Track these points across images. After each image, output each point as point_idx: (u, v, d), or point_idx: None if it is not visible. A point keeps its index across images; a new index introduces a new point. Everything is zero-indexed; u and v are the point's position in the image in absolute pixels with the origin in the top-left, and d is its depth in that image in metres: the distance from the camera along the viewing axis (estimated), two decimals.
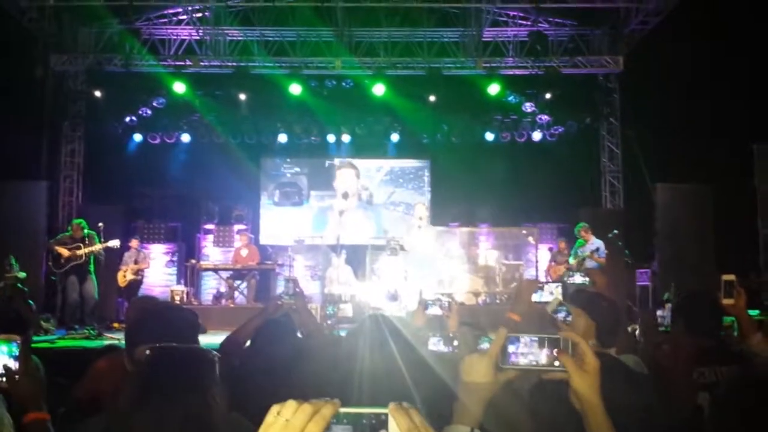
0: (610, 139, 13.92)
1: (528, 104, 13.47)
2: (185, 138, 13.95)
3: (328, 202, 14.21)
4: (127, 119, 13.44)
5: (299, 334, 3.76)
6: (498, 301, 11.49)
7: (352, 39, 12.77)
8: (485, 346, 2.94)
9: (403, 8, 12.13)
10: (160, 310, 2.98)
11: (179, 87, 12.60)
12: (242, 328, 3.72)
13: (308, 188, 14.44)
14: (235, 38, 12.92)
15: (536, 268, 13.05)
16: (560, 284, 3.40)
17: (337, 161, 14.43)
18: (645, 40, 12.23)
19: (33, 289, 10.29)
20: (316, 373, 2.04)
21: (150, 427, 1.56)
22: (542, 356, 1.50)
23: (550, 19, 12.76)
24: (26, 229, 11.62)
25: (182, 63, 12.75)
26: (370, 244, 11.87)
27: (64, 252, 9.95)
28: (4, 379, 2.18)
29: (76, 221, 10.47)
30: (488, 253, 12.55)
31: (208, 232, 13.85)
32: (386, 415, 1.07)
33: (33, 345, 4.61)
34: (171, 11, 12.73)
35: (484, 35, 12.73)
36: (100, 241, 10.16)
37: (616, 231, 11.35)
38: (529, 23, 12.70)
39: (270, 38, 12.92)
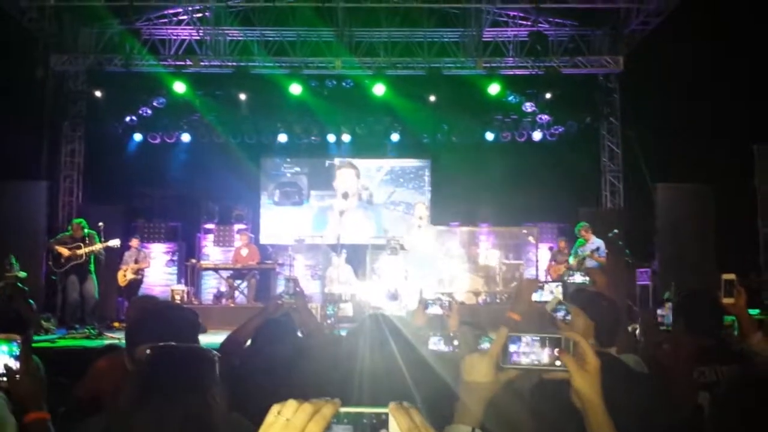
0: (611, 139, 13.91)
1: (528, 104, 13.47)
2: (185, 138, 13.96)
3: (328, 201, 14.21)
4: (128, 119, 13.45)
5: (299, 334, 3.75)
6: (498, 301, 11.49)
7: (352, 39, 12.77)
8: (486, 345, 2.94)
9: (403, 8, 12.13)
10: (160, 310, 2.98)
11: (179, 87, 12.61)
12: (242, 328, 3.72)
13: (308, 188, 14.44)
14: (235, 38, 12.92)
15: (536, 267, 13.05)
16: (560, 283, 3.39)
17: (337, 161, 14.44)
18: (645, 40, 12.23)
19: (33, 289, 10.29)
20: (317, 373, 2.04)
21: (150, 426, 1.56)
22: (544, 356, 1.49)
23: (551, 19, 12.75)
24: (26, 228, 11.63)
25: (182, 63, 12.75)
26: (371, 243, 11.87)
27: (65, 251, 9.96)
28: (5, 378, 2.18)
29: (76, 221, 10.48)
30: (488, 253, 12.55)
31: (209, 231, 13.85)
32: (387, 414, 1.07)
33: (33, 344, 4.61)
34: (171, 11, 12.73)
35: (484, 35, 12.73)
36: (100, 241, 10.16)
37: (616, 230, 11.35)
38: (529, 23, 12.69)
39: (270, 38, 12.92)
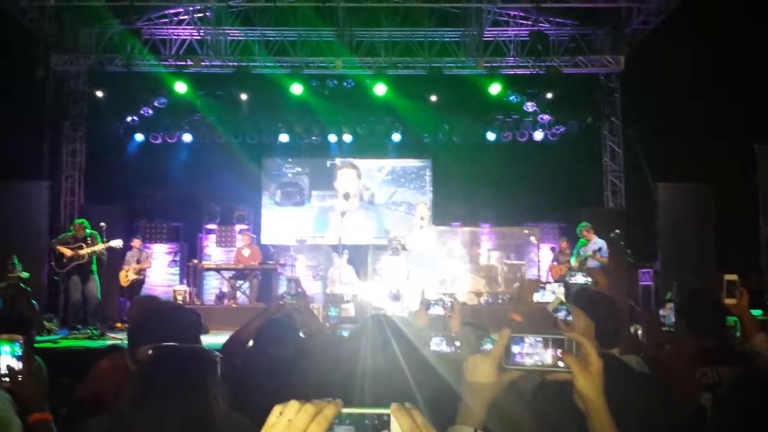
0: (612, 139, 13.90)
1: (529, 104, 13.46)
2: (187, 138, 13.96)
3: (329, 202, 14.21)
4: (129, 119, 13.45)
5: (301, 334, 3.75)
6: (500, 301, 11.50)
7: (353, 39, 12.77)
8: (488, 346, 2.94)
9: (404, 8, 12.13)
10: (162, 310, 2.98)
11: (180, 87, 12.61)
12: (244, 329, 3.73)
13: (310, 188, 14.44)
14: (236, 38, 12.92)
15: (538, 267, 13.05)
16: (562, 284, 3.39)
17: (338, 161, 14.43)
18: (646, 39, 12.22)
19: (36, 289, 10.28)
20: (319, 373, 2.03)
21: (151, 427, 1.56)
22: (547, 357, 1.49)
23: (551, 18, 12.74)
24: (28, 229, 11.63)
25: (183, 63, 12.77)
26: (372, 244, 11.86)
27: (67, 252, 9.97)
28: (8, 379, 2.19)
29: (78, 221, 10.49)
30: (490, 253, 12.56)
31: (210, 231, 13.85)
32: (388, 415, 1.07)
33: (36, 345, 4.61)
34: (172, 11, 12.74)
35: (485, 35, 12.72)
36: (102, 241, 10.17)
37: (617, 231, 11.34)
38: (530, 23, 12.69)
39: (271, 38, 12.92)
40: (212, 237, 13.80)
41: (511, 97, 13.34)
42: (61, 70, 12.84)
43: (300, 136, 14.05)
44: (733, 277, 3.17)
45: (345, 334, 5.64)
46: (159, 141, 13.90)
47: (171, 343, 1.90)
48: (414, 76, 12.88)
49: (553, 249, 12.78)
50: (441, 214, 13.32)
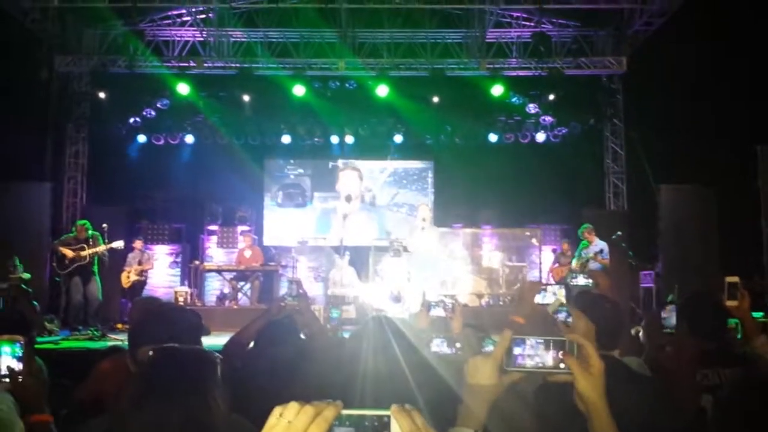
0: (614, 140, 13.89)
1: (531, 105, 13.46)
2: (189, 139, 13.98)
3: (331, 203, 14.21)
4: (131, 120, 13.47)
5: (302, 336, 3.75)
6: (501, 303, 11.50)
7: (355, 40, 12.78)
8: (489, 348, 2.94)
9: (406, 9, 12.14)
10: (163, 311, 2.97)
11: (183, 88, 12.62)
12: (245, 330, 3.72)
13: (312, 189, 14.45)
14: (238, 39, 12.93)
15: (540, 269, 13.05)
16: (563, 286, 3.39)
17: (340, 163, 14.44)
18: (649, 41, 12.20)
19: (37, 290, 10.29)
20: (319, 375, 2.04)
21: (151, 428, 1.56)
22: (548, 358, 1.49)
23: (554, 20, 12.74)
24: (30, 230, 11.62)
25: (186, 64, 12.77)
26: (374, 245, 11.88)
27: (69, 253, 9.97)
28: (8, 380, 2.18)
29: (80, 222, 10.50)
30: (492, 255, 12.54)
31: (212, 233, 13.87)
32: (388, 417, 1.07)
33: (37, 346, 4.62)
34: (175, 12, 12.75)
35: (487, 36, 12.71)
36: (104, 242, 10.18)
37: (619, 232, 11.33)
38: (532, 24, 12.68)
39: (273, 39, 12.93)
40: (214, 238, 13.82)
41: (514, 99, 13.35)
42: (64, 72, 12.85)
43: (302, 138, 14.06)
44: (735, 279, 3.16)
45: (346, 335, 5.63)
46: (161, 142, 13.92)
47: (171, 345, 1.90)
48: (416, 78, 12.87)
49: (554, 251, 12.77)
50: (443, 216, 13.31)
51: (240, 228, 13.62)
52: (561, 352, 1.49)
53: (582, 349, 1.49)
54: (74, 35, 12.76)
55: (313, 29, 12.51)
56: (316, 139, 14.16)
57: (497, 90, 12.63)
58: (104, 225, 10.26)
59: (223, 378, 1.70)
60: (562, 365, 1.48)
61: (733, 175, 11.83)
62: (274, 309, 3.82)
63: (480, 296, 11.54)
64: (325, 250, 13.07)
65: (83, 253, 9.97)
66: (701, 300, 3.42)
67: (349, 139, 14.09)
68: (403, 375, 1.68)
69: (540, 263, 13.16)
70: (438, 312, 3.53)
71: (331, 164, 14.45)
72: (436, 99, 12.76)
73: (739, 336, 3.46)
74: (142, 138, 13.88)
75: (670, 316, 4.00)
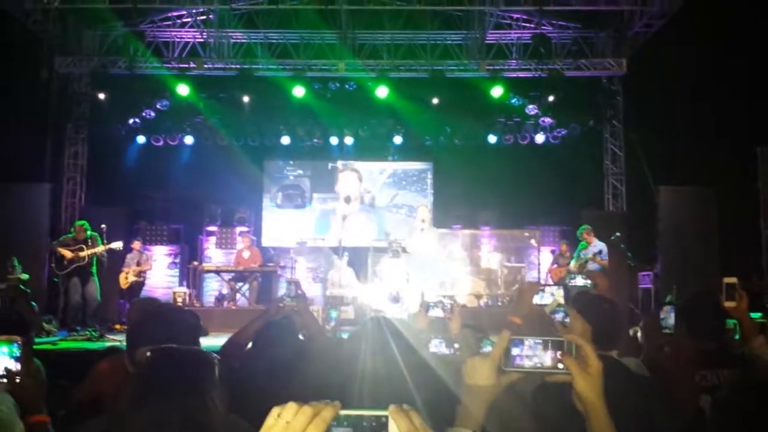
0: (613, 142, 13.89)
1: (531, 107, 13.47)
2: (188, 140, 13.98)
3: (330, 204, 14.21)
4: (131, 121, 13.47)
5: (301, 337, 3.75)
6: (500, 304, 11.49)
7: (355, 41, 12.79)
8: (487, 348, 2.94)
9: (407, 11, 12.15)
10: (161, 312, 2.97)
11: (183, 89, 12.62)
12: (243, 331, 3.72)
13: (311, 191, 14.44)
14: (238, 41, 12.94)
15: (538, 270, 13.04)
16: (561, 286, 3.39)
17: (339, 164, 14.43)
18: (649, 42, 12.21)
19: (35, 291, 10.28)
20: (317, 375, 2.03)
21: (149, 428, 1.56)
22: (546, 359, 1.49)
23: (554, 21, 12.75)
24: (29, 230, 11.63)
25: (186, 65, 12.77)
26: (372, 246, 11.88)
27: (67, 254, 9.97)
28: (6, 380, 2.18)
29: (79, 223, 10.48)
30: (490, 256, 12.53)
31: (211, 234, 13.86)
32: (386, 417, 1.07)
33: (35, 347, 4.61)
34: (175, 14, 12.76)
35: (487, 38, 12.72)
36: (102, 243, 10.17)
37: (618, 233, 11.33)
38: (532, 26, 12.69)
39: (273, 41, 12.94)
40: (212, 239, 13.81)
41: (513, 100, 13.37)
42: (64, 72, 12.85)
43: (302, 139, 14.06)
44: (733, 280, 3.16)
45: (344, 336, 5.63)
46: (161, 143, 13.92)
47: (170, 345, 1.90)
48: (416, 79, 12.87)
49: (553, 252, 12.77)
50: (442, 217, 13.32)
51: (239, 229, 13.61)
52: (559, 352, 1.48)
53: (580, 350, 1.49)
54: (75, 36, 12.77)
55: (313, 30, 12.52)
56: (315, 141, 14.16)
57: (497, 91, 12.65)
58: (103, 226, 10.24)
59: (221, 378, 1.70)
60: (560, 365, 1.48)
61: (732, 176, 11.85)
62: (272, 310, 3.82)
63: (478, 297, 11.53)
64: (323, 250, 13.07)
65: (82, 254, 9.96)
66: (700, 301, 3.42)
67: (349, 141, 14.10)
68: (402, 375, 1.68)
69: (539, 264, 13.16)
70: (436, 313, 3.54)
71: (330, 165, 14.45)
72: (435, 100, 12.78)
73: (737, 337, 3.46)
74: (141, 139, 13.88)
75: (668, 317, 4.01)
